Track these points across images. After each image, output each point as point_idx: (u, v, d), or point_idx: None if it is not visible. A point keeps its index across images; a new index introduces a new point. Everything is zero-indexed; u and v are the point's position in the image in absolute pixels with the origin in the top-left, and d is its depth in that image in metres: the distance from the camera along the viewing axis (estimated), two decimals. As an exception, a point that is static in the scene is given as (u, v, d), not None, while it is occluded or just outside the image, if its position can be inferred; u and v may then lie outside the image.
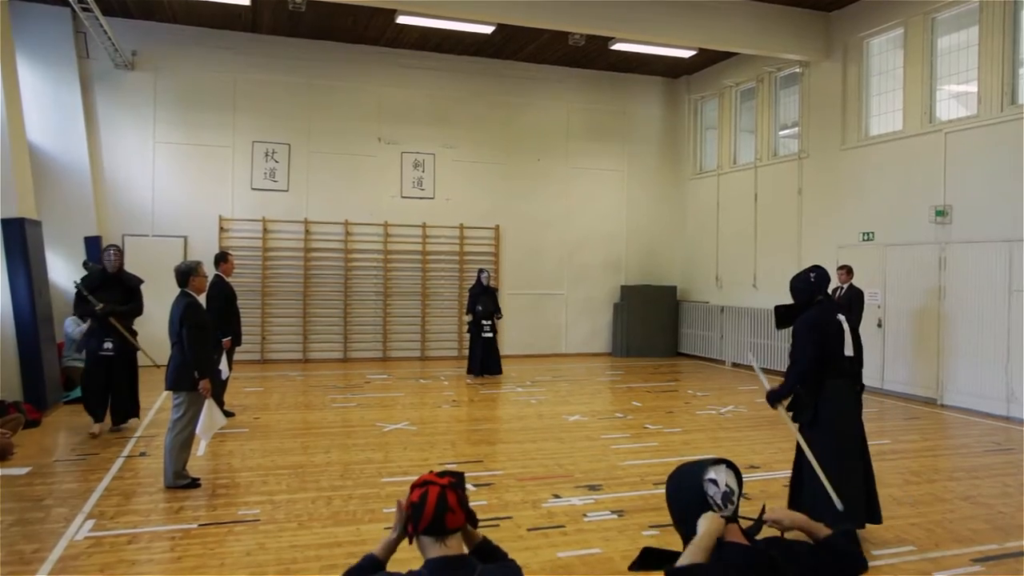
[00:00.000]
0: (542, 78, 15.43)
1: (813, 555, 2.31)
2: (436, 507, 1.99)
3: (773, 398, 4.95)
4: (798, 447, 4.97)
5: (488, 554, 2.24)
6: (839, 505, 4.53)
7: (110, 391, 7.99)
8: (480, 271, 12.39)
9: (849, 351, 4.94)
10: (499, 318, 12.29)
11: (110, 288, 8.00)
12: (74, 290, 7.88)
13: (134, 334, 8.18)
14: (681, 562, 2.17)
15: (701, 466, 2.35)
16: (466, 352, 14.88)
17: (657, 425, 8.71)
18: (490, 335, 12.12)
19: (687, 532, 2.33)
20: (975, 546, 4.93)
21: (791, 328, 5.07)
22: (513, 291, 15.25)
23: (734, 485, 2.32)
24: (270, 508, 5.51)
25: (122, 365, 8.01)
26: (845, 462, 4.75)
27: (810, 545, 2.33)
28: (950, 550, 4.85)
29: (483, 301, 12.12)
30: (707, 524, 2.25)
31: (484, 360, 12.12)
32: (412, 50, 14.44)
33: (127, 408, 8.17)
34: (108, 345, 7.87)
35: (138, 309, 8.16)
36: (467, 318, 12.29)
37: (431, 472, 2.11)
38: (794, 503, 5.03)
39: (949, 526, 5.32)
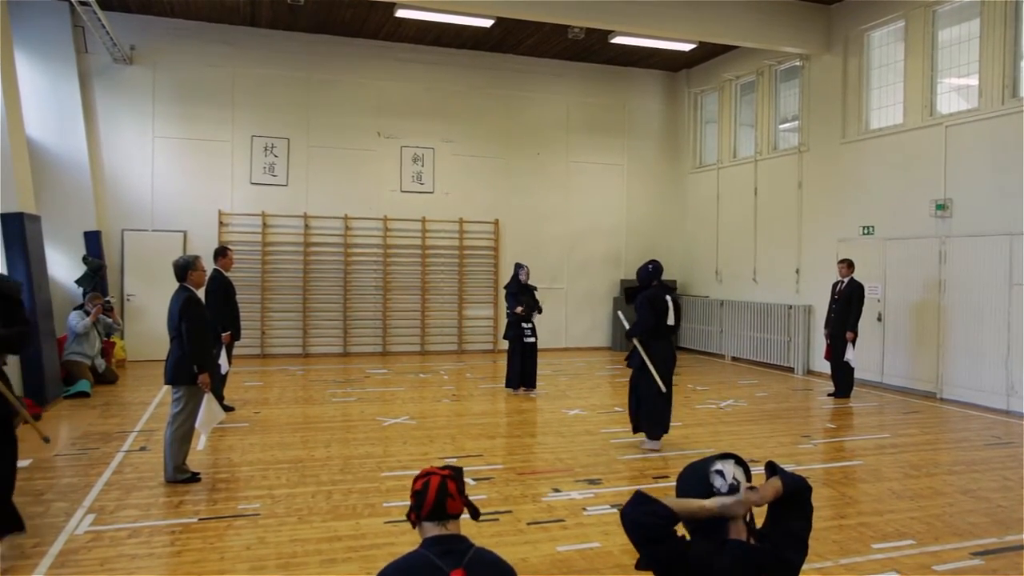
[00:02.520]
0: (541, 72, 15.39)
1: (779, 515, 2.33)
2: (437, 494, 2.13)
3: (630, 334, 7.31)
4: (632, 380, 7.41)
5: None
6: (663, 388, 7.17)
7: None
8: (518, 266, 10.61)
9: (671, 321, 7.22)
10: (539, 312, 10.50)
11: None
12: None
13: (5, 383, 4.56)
14: (667, 502, 2.21)
15: (708, 461, 2.36)
16: (466, 347, 14.95)
17: (657, 419, 8.70)
18: (532, 340, 10.33)
19: (690, 524, 2.33)
20: (974, 540, 4.93)
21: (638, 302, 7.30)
22: (513, 285, 15.25)
23: (741, 478, 2.31)
24: (270, 502, 5.52)
25: None
26: (659, 394, 7.20)
27: (779, 514, 2.34)
28: (949, 543, 4.85)
29: (523, 301, 10.39)
30: (705, 501, 2.25)
31: (524, 370, 10.37)
32: (411, 44, 14.40)
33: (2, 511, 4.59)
34: None
35: (23, 335, 4.57)
36: (518, 310, 10.30)
37: (432, 466, 2.23)
38: (635, 420, 7.42)
39: (949, 520, 5.33)
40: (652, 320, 7.12)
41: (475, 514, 2.24)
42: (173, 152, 13.34)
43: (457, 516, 2.17)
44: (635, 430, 7.49)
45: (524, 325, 10.30)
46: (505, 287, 10.80)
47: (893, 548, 4.75)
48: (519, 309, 10.29)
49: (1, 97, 9.23)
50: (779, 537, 2.30)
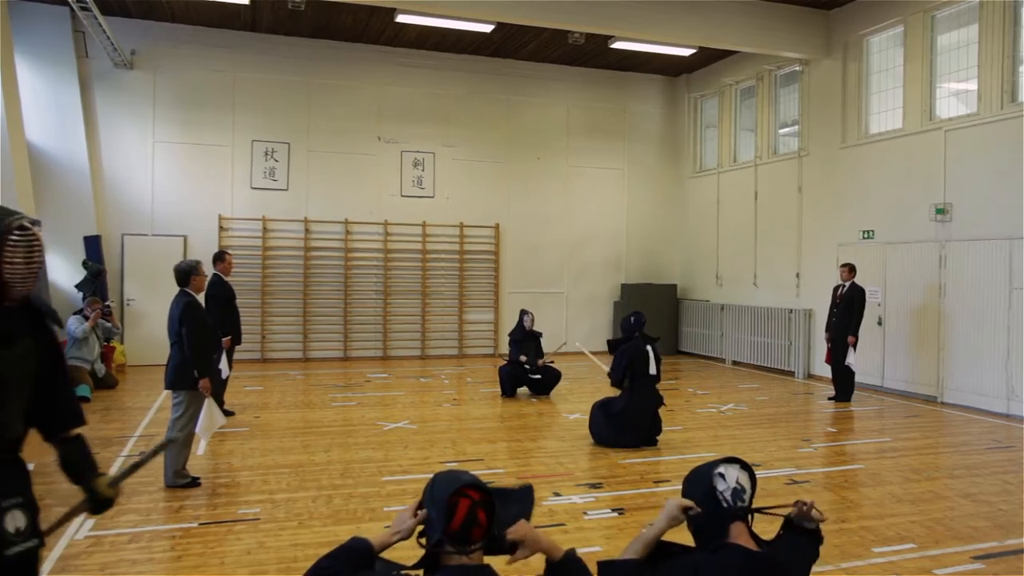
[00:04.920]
0: (542, 76, 15.42)
1: (796, 540, 2.34)
2: (464, 520, 2.02)
3: (613, 384, 7.74)
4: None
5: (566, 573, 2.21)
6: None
7: None
8: (523, 313, 10.68)
9: (653, 370, 7.50)
10: (542, 363, 10.44)
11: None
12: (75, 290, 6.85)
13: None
14: (624, 554, 2.21)
15: (713, 465, 2.35)
16: (466, 351, 14.95)
17: (657, 423, 8.69)
18: (538, 376, 10.41)
19: (695, 528, 2.33)
20: (975, 543, 4.93)
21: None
22: (513, 289, 15.26)
23: (746, 483, 2.31)
24: (270, 507, 5.51)
25: None
26: (633, 439, 7.40)
27: (791, 535, 2.36)
28: (950, 547, 4.85)
29: (526, 348, 10.44)
30: (663, 514, 2.27)
31: (517, 385, 10.46)
32: (411, 49, 14.43)
33: None
34: None
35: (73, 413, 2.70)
36: (522, 359, 10.35)
37: (469, 487, 2.08)
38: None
39: (949, 523, 5.32)
40: (624, 371, 7.49)
41: (493, 548, 2.10)
42: (173, 156, 13.35)
43: (480, 541, 2.07)
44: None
45: (527, 366, 10.37)
46: (509, 334, 10.83)
47: (894, 552, 4.75)
48: (523, 359, 10.34)
49: (2, 101, 9.25)
50: (784, 546, 2.30)
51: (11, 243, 2.32)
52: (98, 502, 2.67)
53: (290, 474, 6.39)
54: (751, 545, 2.26)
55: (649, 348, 7.57)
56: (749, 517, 2.31)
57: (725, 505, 2.26)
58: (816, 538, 2.43)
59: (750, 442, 7.83)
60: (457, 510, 2.01)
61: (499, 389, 10.64)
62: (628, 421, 7.40)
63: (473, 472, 2.15)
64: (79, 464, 2.64)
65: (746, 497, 2.30)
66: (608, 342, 8.09)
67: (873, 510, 5.62)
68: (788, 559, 2.27)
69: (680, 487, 2.47)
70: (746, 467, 2.36)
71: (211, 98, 13.54)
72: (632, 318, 7.76)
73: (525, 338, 10.52)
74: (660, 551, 2.35)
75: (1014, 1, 9.50)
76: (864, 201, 11.61)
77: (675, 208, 16.54)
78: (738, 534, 2.26)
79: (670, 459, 7.08)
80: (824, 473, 6.71)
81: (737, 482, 2.30)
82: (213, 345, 6.76)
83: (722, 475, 2.31)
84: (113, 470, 6.47)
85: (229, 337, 8.40)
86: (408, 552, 2.31)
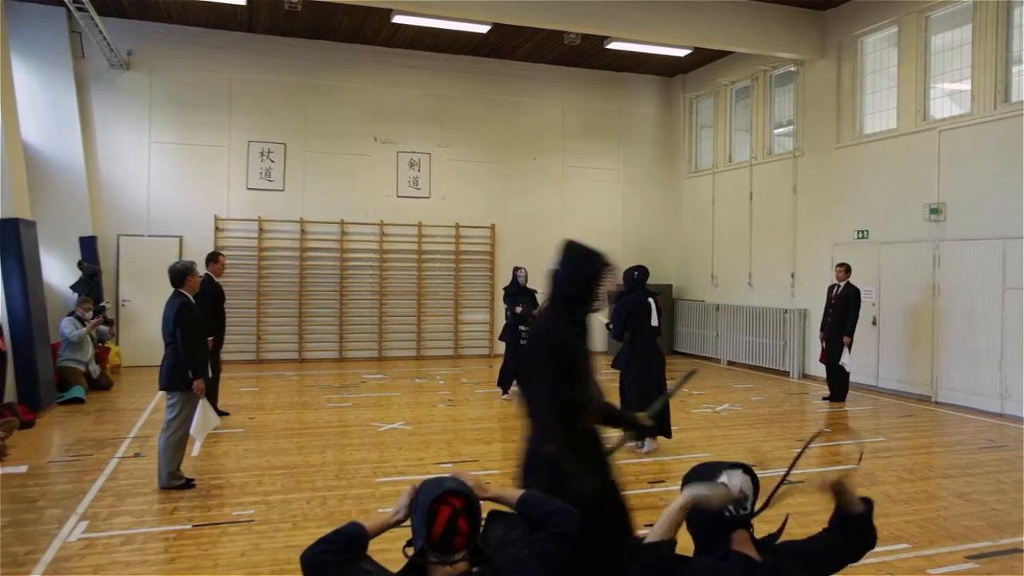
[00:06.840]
0: (538, 77, 15.42)
1: (823, 544, 2.31)
2: (445, 528, 2.01)
3: (613, 336, 7.72)
4: (620, 382, 7.64)
5: (531, 519, 2.22)
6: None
7: None
8: (516, 269, 10.64)
9: (655, 322, 7.46)
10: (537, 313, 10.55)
11: None
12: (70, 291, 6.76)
13: None
14: (650, 537, 2.17)
15: (717, 467, 2.32)
16: (462, 352, 14.94)
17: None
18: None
19: (696, 531, 2.30)
20: (969, 543, 4.94)
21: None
22: (509, 290, 15.26)
23: (748, 490, 2.28)
24: (265, 509, 5.51)
25: None
26: (646, 390, 7.13)
27: (821, 537, 2.33)
28: (944, 547, 4.86)
29: (521, 302, 10.28)
30: (682, 497, 2.23)
31: (518, 373, 10.71)
32: (408, 49, 14.43)
33: None
34: None
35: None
36: (517, 310, 10.22)
37: (451, 494, 2.06)
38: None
39: (943, 523, 5.34)
40: (624, 324, 7.43)
41: (477, 559, 2.07)
42: (169, 157, 13.33)
43: (463, 550, 2.04)
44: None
45: (522, 328, 10.17)
46: (504, 288, 10.76)
47: (888, 552, 4.75)
48: (518, 309, 10.23)
49: (-4, 103, 9.23)
50: (807, 549, 2.28)
51: (604, 273, 3.33)
52: (642, 429, 3.53)
53: (285, 475, 6.39)
54: (753, 553, 2.23)
55: (651, 300, 7.47)
56: (751, 525, 2.29)
57: (727, 514, 2.23)
58: (864, 527, 2.36)
59: (745, 442, 7.84)
60: (438, 517, 1.99)
61: (495, 390, 10.63)
62: (635, 377, 7.28)
63: (470, 472, 2.13)
64: (614, 413, 3.50)
65: (748, 504, 2.27)
66: (608, 293, 7.97)
67: (867, 510, 5.62)
68: (792, 566, 2.24)
69: (678, 486, 2.46)
70: (749, 471, 2.33)
71: (207, 99, 13.52)
72: (635, 272, 7.58)
73: (519, 292, 10.35)
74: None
75: (1007, 2, 9.54)
76: (859, 201, 11.63)
77: (670, 208, 16.56)
78: (741, 541, 2.23)
79: (665, 459, 7.08)
80: (818, 473, 6.70)
81: (740, 490, 2.26)
82: (207, 346, 6.76)
83: (724, 484, 2.27)
84: (109, 470, 6.46)
85: (212, 339, 8.28)
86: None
